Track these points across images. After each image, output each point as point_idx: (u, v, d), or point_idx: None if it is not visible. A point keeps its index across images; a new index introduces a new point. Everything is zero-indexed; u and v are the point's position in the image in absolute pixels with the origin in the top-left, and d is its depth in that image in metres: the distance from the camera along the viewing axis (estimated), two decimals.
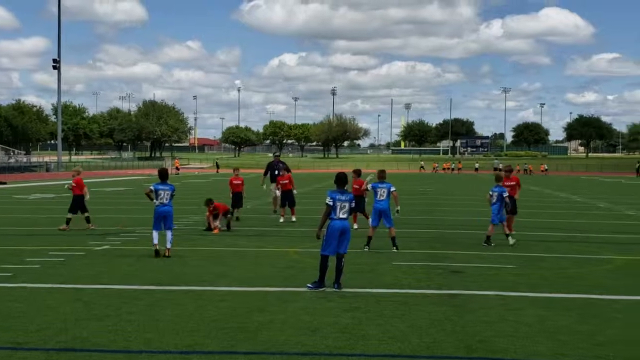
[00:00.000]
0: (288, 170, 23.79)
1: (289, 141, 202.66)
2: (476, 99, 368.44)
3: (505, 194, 17.00)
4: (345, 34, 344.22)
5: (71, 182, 20.24)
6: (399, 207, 16.36)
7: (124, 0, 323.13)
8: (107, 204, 31.02)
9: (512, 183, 18.48)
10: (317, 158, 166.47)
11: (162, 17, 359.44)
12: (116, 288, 11.11)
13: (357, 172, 20.37)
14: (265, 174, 24.92)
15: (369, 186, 16.56)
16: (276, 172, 23.82)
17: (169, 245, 14.59)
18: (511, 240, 16.68)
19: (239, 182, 22.39)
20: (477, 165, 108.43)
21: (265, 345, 7.86)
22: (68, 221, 19.58)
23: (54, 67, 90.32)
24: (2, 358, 7.41)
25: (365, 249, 15.62)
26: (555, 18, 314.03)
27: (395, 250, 15.51)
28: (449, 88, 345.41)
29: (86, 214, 19.95)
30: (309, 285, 11.15)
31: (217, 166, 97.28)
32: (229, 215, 19.76)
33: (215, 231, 19.14)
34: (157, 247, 14.52)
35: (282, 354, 7.56)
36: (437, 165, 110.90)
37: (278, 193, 23.36)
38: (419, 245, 16.79)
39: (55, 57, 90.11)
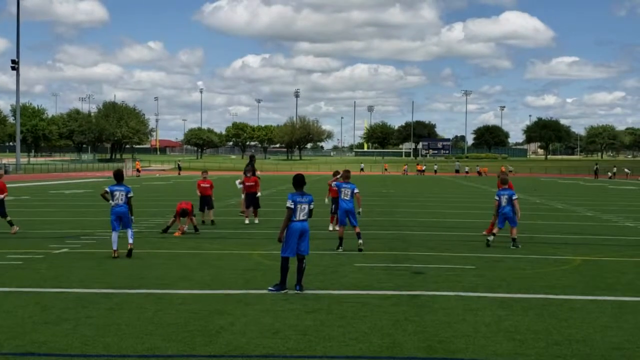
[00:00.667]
0: (254, 173, 23.59)
1: (252, 143, 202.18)
2: (438, 101, 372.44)
3: (515, 197, 17.22)
4: (308, 36, 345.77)
5: None
6: (360, 209, 16.46)
7: (84, 0, 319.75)
8: (67, 206, 30.63)
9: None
10: (280, 160, 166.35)
11: (123, 17, 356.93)
12: (75, 292, 10.97)
13: (337, 174, 20.31)
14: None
15: (334, 184, 16.64)
16: (248, 174, 23.53)
17: (130, 241, 14.71)
18: (491, 238, 16.97)
19: (207, 185, 22.17)
20: (435, 167, 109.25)
21: (226, 348, 7.83)
22: (11, 223, 19.35)
23: (13, 68, 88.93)
24: None
25: (340, 250, 15.74)
26: (516, 22, 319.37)
27: (360, 242, 15.72)
28: (412, 90, 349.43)
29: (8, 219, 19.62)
30: (270, 288, 11.14)
31: (179, 168, 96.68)
32: (193, 217, 19.58)
33: (177, 234, 18.99)
34: (116, 254, 14.51)
35: (243, 357, 7.54)
36: (406, 167, 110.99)
37: (243, 196, 23.19)
38: (381, 246, 16.87)
39: (14, 57, 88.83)
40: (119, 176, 15.04)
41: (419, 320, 9.20)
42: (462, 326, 8.92)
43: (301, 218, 11.15)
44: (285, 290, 10.97)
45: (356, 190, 16.09)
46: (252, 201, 22.64)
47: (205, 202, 22.02)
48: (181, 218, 19.22)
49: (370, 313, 9.61)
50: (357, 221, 16.13)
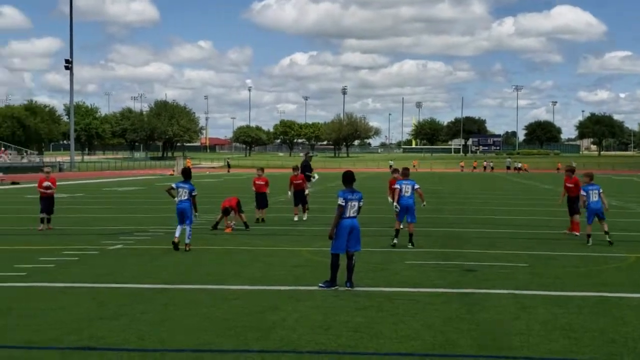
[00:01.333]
0: (302, 170, 23.54)
1: (300, 140, 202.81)
2: (488, 97, 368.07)
3: (601, 191, 17.12)
4: (355, 33, 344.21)
5: (49, 184, 20.33)
6: (424, 203, 17.23)
7: (136, 0, 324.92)
8: (120, 203, 31.16)
9: (572, 185, 18.61)
10: (327, 157, 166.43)
11: (173, 17, 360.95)
12: (130, 287, 11.18)
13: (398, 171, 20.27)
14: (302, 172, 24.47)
15: (396, 186, 16.63)
16: (296, 173, 23.39)
17: (187, 241, 15.24)
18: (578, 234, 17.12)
19: (263, 182, 22.24)
20: (491, 164, 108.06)
21: (278, 343, 7.89)
22: (43, 220, 19.81)
23: (66, 68, 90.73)
24: (17, 357, 7.48)
25: (395, 241, 16.00)
26: (567, 16, 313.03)
27: (411, 247, 15.78)
28: (461, 86, 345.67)
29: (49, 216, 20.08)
30: (320, 284, 11.17)
31: (229, 166, 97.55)
32: (241, 214, 19.69)
33: (228, 230, 19.18)
34: (177, 240, 15.14)
35: (295, 352, 7.58)
36: (463, 164, 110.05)
37: (290, 193, 23.24)
38: (431, 243, 16.79)
39: (68, 57, 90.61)
40: (186, 174, 15.85)
41: (470, 318, 9.14)
42: (515, 324, 8.83)
43: (351, 215, 11.15)
44: (335, 287, 11.00)
45: (417, 186, 16.45)
46: (300, 198, 22.74)
47: (260, 199, 22.13)
48: (226, 216, 19.41)
49: (422, 310, 9.57)
50: (414, 218, 16.41)
